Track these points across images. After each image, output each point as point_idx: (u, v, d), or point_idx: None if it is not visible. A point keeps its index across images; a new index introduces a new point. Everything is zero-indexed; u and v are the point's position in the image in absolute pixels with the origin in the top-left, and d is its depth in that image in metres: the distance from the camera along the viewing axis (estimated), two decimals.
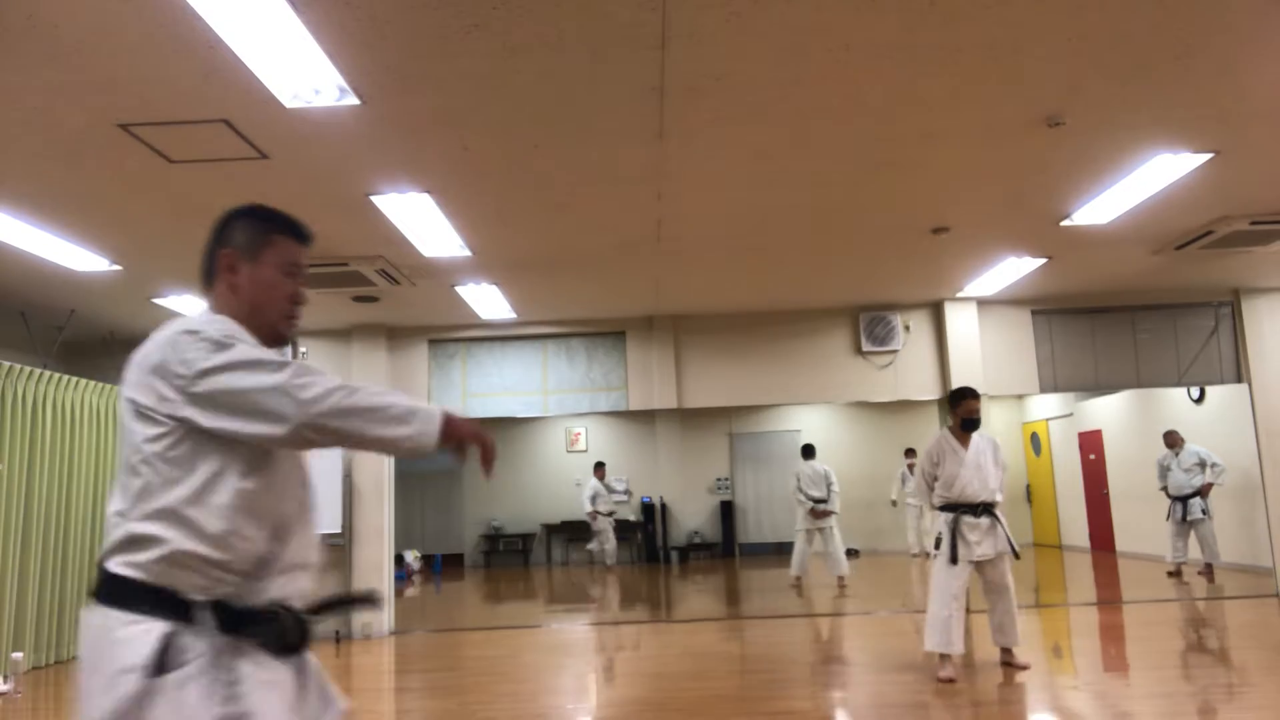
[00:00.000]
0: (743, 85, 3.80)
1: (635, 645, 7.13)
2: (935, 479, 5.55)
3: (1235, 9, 3.31)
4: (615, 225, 5.71)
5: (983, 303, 8.44)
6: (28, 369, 7.04)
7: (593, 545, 13.53)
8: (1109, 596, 9.09)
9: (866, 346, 8.52)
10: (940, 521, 5.48)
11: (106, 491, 7.92)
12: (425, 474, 14.53)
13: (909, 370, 8.49)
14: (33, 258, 5.72)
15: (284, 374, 1.59)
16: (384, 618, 8.10)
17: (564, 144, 4.35)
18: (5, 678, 6.08)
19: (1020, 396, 14.39)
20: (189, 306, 7.25)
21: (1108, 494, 12.55)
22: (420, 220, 5.35)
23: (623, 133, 4.24)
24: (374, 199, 4.95)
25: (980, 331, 8.43)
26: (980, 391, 8.30)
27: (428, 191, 4.92)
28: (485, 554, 14.68)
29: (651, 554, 14.17)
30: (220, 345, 1.66)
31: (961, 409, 5.55)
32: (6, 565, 6.70)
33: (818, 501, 10.02)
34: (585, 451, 14.90)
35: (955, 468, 5.44)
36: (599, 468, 13.66)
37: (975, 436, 5.54)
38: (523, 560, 14.66)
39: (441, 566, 14.38)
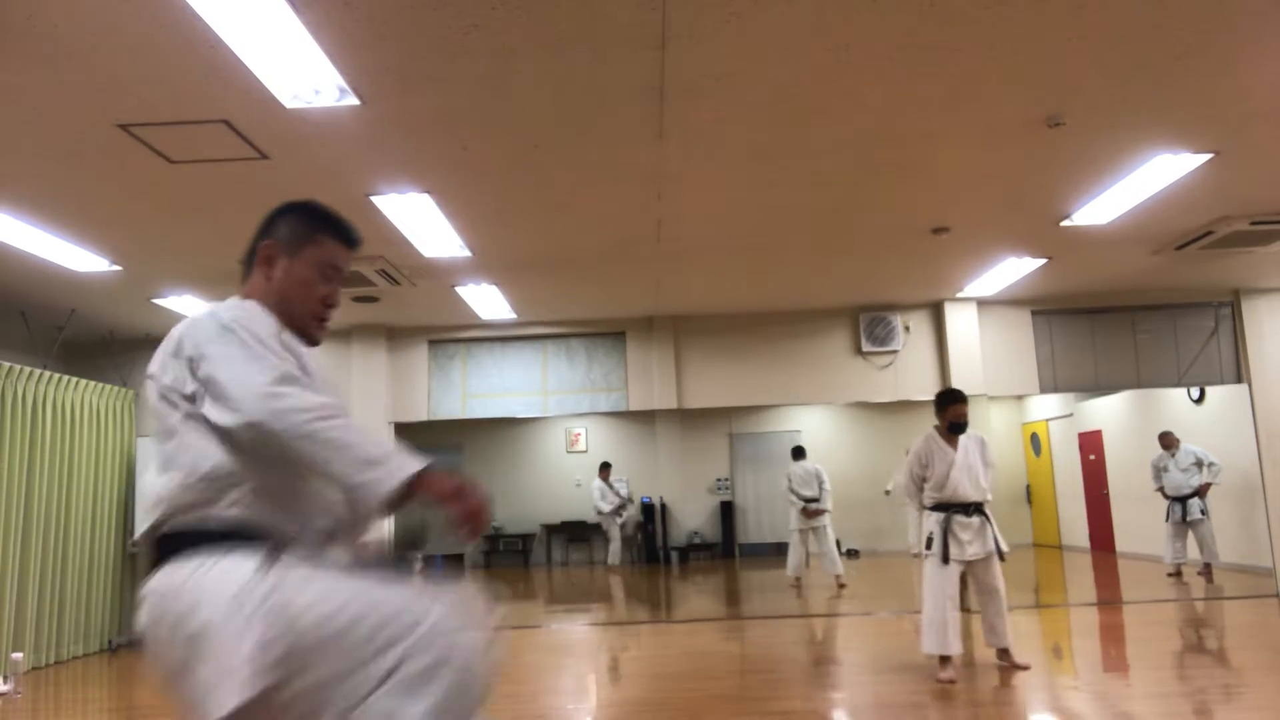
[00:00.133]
0: (743, 85, 3.80)
1: (635, 646, 7.12)
2: (924, 480, 5.53)
3: (1235, 9, 3.31)
4: (615, 225, 5.71)
5: (983, 303, 8.44)
6: (28, 369, 7.04)
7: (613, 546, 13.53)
8: (1109, 597, 9.09)
9: (866, 347, 8.52)
10: (931, 522, 5.45)
11: (106, 491, 7.92)
12: None
13: (909, 370, 8.49)
14: (33, 258, 5.72)
15: (267, 375, 1.59)
16: None
17: (564, 144, 4.35)
18: (5, 678, 6.07)
19: (1020, 397, 14.39)
20: (189, 306, 7.25)
21: (1108, 494, 12.55)
22: (420, 220, 5.35)
23: (623, 133, 4.24)
24: (374, 199, 4.95)
25: (980, 332, 8.43)
26: (980, 392, 8.35)
27: (427, 192, 4.92)
28: (485, 554, 14.67)
29: (651, 554, 14.16)
30: (226, 330, 1.66)
31: (949, 413, 5.51)
32: (6, 565, 6.70)
33: (810, 501, 10.03)
34: (585, 452, 14.89)
35: (945, 469, 5.41)
36: (604, 468, 13.65)
37: (962, 435, 5.50)
38: (522, 560, 14.65)
39: (442, 567, 14.38)
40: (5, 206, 4.88)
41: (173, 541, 1.63)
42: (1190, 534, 9.55)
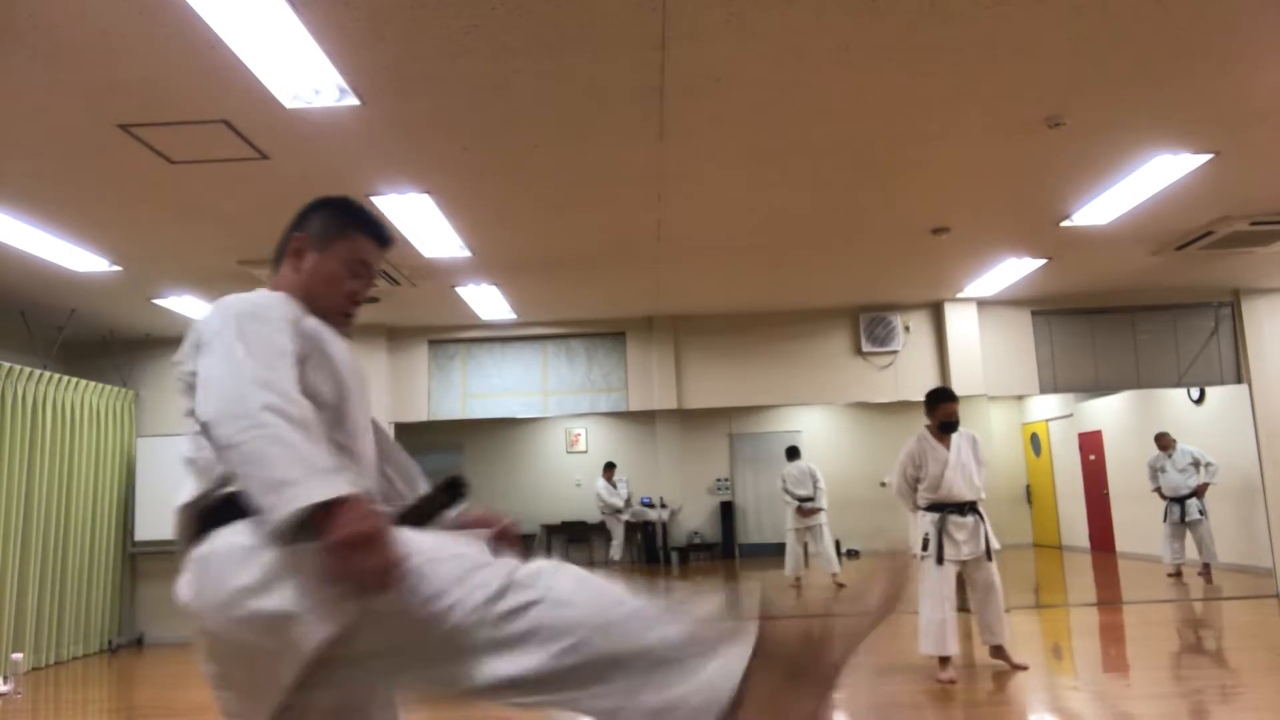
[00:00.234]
0: (743, 86, 3.80)
1: None
2: (918, 481, 5.51)
3: (1235, 9, 3.31)
4: (615, 225, 5.71)
5: (983, 303, 8.43)
6: (28, 369, 7.04)
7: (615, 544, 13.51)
8: (1109, 597, 9.09)
9: (866, 347, 8.51)
10: (926, 522, 5.42)
11: (106, 491, 7.93)
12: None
13: (909, 371, 8.48)
14: (33, 258, 5.72)
15: (243, 379, 1.51)
16: None
17: (564, 144, 4.34)
18: (5, 678, 6.07)
19: (1020, 397, 14.38)
20: (189, 307, 7.25)
21: (1108, 494, 12.55)
22: (420, 221, 5.35)
23: (623, 133, 4.24)
24: (374, 199, 4.95)
25: (980, 332, 8.43)
26: (980, 392, 8.35)
27: (427, 192, 4.92)
28: None
29: (651, 554, 14.16)
30: (229, 321, 1.60)
31: (940, 412, 5.49)
32: (6, 565, 6.70)
33: (804, 500, 10.03)
34: (585, 452, 14.89)
35: (939, 469, 5.39)
36: (609, 468, 13.64)
37: (953, 435, 5.48)
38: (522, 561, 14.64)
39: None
40: (5, 206, 4.88)
41: (219, 511, 1.56)
42: (1189, 534, 9.55)
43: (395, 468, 1.95)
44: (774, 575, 10.61)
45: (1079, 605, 8.48)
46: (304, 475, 1.42)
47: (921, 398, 5.69)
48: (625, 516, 13.53)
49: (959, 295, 8.24)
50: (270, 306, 1.67)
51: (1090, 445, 13.01)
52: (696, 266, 6.84)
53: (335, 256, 1.84)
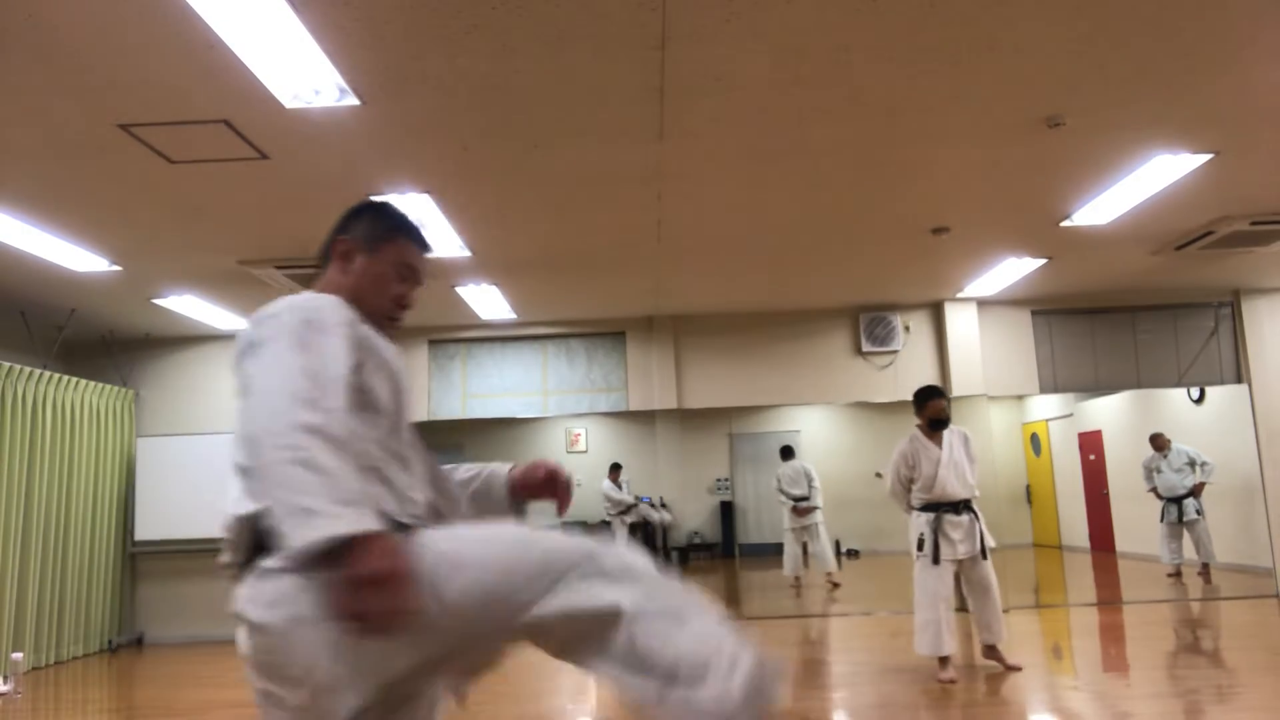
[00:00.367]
0: (743, 86, 3.80)
1: None
2: (912, 481, 5.50)
3: (1235, 9, 3.31)
4: (615, 225, 5.71)
5: (983, 303, 8.44)
6: (28, 369, 7.04)
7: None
8: (1109, 597, 9.09)
9: (866, 347, 8.51)
10: (921, 522, 5.41)
11: (106, 491, 7.93)
12: None
13: (909, 371, 8.48)
14: (33, 258, 5.72)
15: (286, 395, 1.45)
16: None
17: (564, 144, 4.34)
18: (5, 678, 6.07)
19: (1020, 397, 14.38)
20: (189, 307, 7.25)
21: (1108, 494, 12.55)
22: (420, 221, 5.35)
23: (623, 133, 4.24)
24: (374, 200, 4.94)
25: (980, 332, 8.43)
26: (980, 392, 8.35)
27: (427, 192, 4.92)
28: None
29: (651, 554, 14.15)
30: (283, 327, 1.55)
31: (929, 409, 5.49)
32: (6, 565, 6.70)
33: (799, 500, 10.04)
34: (585, 452, 14.89)
35: (932, 468, 5.38)
36: (615, 469, 13.63)
37: (945, 432, 5.47)
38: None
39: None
40: (5, 206, 4.88)
41: (273, 535, 1.48)
42: (1186, 534, 9.56)
43: (437, 478, 1.89)
44: (774, 575, 10.62)
45: (1079, 605, 8.49)
46: (331, 505, 1.37)
47: None
48: (630, 519, 13.51)
49: (959, 295, 8.24)
50: (328, 310, 1.62)
51: (1090, 445, 13.01)
52: (696, 266, 6.84)
53: (384, 260, 1.85)
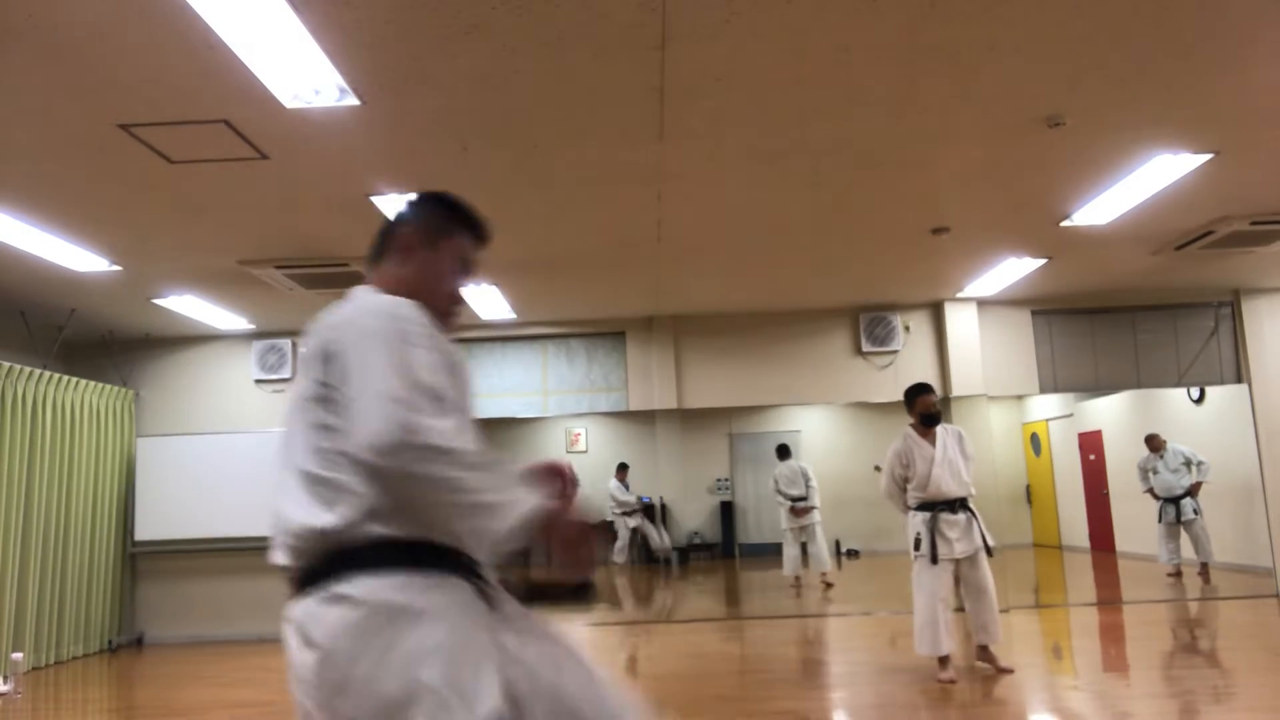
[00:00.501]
0: (743, 85, 3.80)
1: (635, 645, 7.12)
2: (907, 480, 5.49)
3: (1235, 9, 3.31)
4: (615, 225, 5.71)
5: (983, 303, 8.44)
6: (28, 369, 7.04)
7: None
8: (1109, 597, 9.09)
9: (866, 347, 8.52)
10: (917, 522, 5.40)
11: (106, 491, 7.92)
12: None
13: (909, 371, 8.48)
14: (33, 258, 5.72)
15: (413, 405, 1.45)
16: None
17: (564, 144, 4.34)
18: (5, 678, 6.07)
19: (1020, 397, 14.38)
20: (189, 307, 7.25)
21: (1108, 494, 12.55)
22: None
23: (623, 133, 4.24)
24: (374, 199, 4.95)
25: (980, 332, 8.43)
26: (980, 392, 8.35)
27: None
28: None
29: (651, 554, 14.15)
30: (379, 334, 1.54)
31: (919, 405, 5.49)
32: (6, 565, 6.70)
33: (797, 500, 10.05)
34: (585, 452, 14.90)
35: (926, 467, 5.37)
36: (622, 469, 13.62)
37: (939, 430, 5.45)
38: (523, 560, 14.62)
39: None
40: (5, 206, 4.88)
41: (366, 553, 1.50)
42: (1184, 534, 9.56)
43: None
44: (774, 575, 10.63)
45: (1079, 605, 8.49)
46: (507, 492, 1.46)
47: None
48: (633, 523, 13.48)
49: (959, 295, 8.24)
50: (414, 319, 1.59)
51: (1090, 445, 13.02)
52: (696, 266, 6.84)
53: (445, 253, 1.81)
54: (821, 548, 10.03)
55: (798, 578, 10.24)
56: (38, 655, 6.97)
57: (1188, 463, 9.51)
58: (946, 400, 8.36)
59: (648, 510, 14.10)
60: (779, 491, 10.22)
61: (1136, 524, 11.69)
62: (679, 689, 5.40)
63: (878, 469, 13.86)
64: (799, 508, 10.04)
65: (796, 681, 5.62)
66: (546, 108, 3.93)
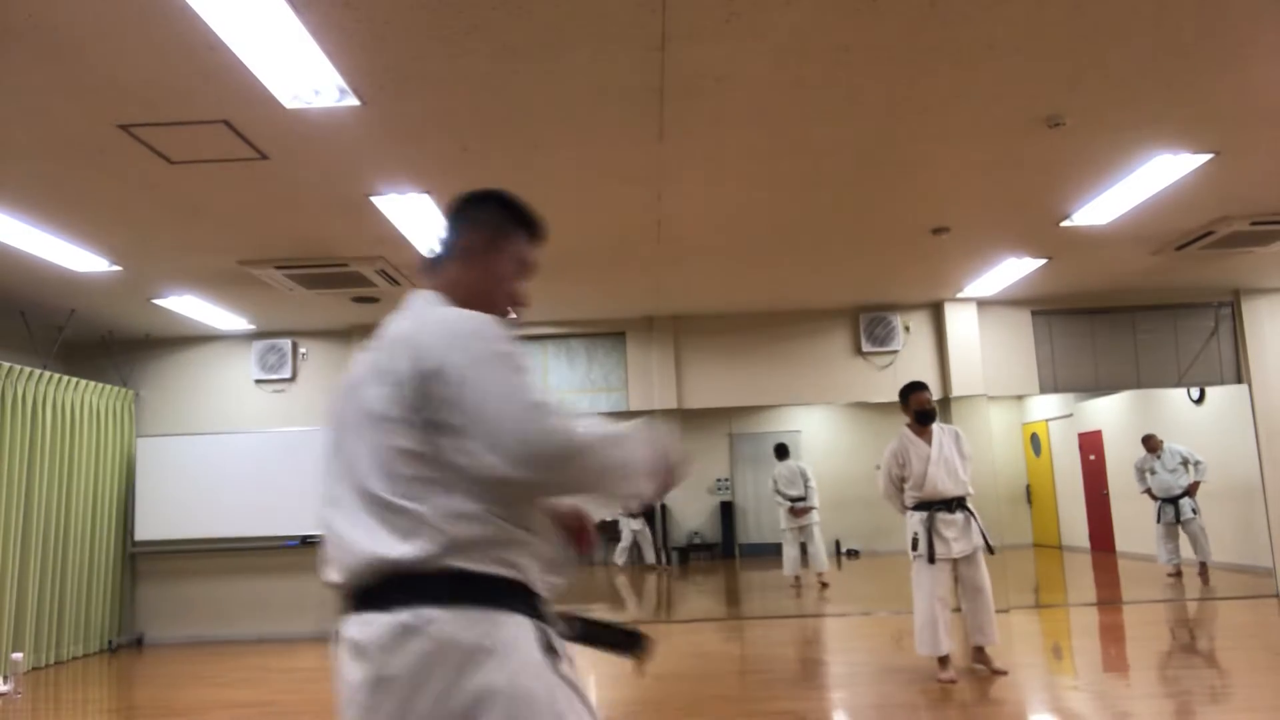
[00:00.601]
0: (743, 86, 3.80)
1: None
2: (903, 480, 5.49)
3: (1235, 9, 3.31)
4: (615, 225, 5.71)
5: (983, 303, 8.44)
6: (28, 369, 7.04)
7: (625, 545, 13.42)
8: (1109, 597, 9.09)
9: (866, 347, 8.52)
10: (915, 521, 5.40)
11: (106, 492, 7.92)
12: None
13: (909, 371, 8.47)
14: (33, 258, 5.72)
15: (536, 405, 1.45)
16: None
17: (564, 144, 4.35)
18: (5, 678, 6.07)
19: (1020, 397, 14.39)
20: (189, 307, 7.25)
21: (1108, 494, 12.55)
22: (420, 220, 5.35)
23: (623, 133, 4.24)
24: (374, 199, 4.95)
25: (980, 332, 8.43)
26: (980, 392, 8.35)
27: (427, 192, 4.92)
28: None
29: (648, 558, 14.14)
30: (479, 347, 1.53)
31: (913, 402, 5.49)
32: (6, 565, 6.70)
33: (796, 500, 10.05)
34: None
35: (922, 466, 5.36)
36: None
37: (935, 429, 5.45)
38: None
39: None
40: (5, 207, 4.88)
41: (444, 585, 1.45)
42: (1183, 534, 9.57)
43: None
44: (773, 575, 10.63)
45: (1079, 605, 8.49)
46: (646, 456, 1.59)
47: None
48: (636, 525, 13.47)
49: (959, 295, 8.24)
50: (501, 333, 1.58)
51: (1090, 445, 13.02)
52: (696, 266, 6.84)
53: (508, 256, 1.75)
54: (819, 548, 10.03)
55: (797, 578, 10.24)
56: (38, 655, 6.97)
57: (1185, 462, 9.51)
58: (946, 400, 8.36)
59: (648, 513, 14.09)
60: (778, 492, 10.23)
61: (1136, 524, 11.69)
62: (680, 689, 5.40)
63: (879, 468, 13.87)
64: (798, 508, 10.04)
65: (797, 681, 5.62)
66: (546, 108, 3.93)
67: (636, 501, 1.62)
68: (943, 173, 4.97)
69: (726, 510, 14.46)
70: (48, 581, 7.14)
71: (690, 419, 14.57)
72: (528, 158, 4.49)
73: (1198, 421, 10.49)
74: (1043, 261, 6.99)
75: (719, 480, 14.66)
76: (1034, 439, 14.74)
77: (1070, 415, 13.50)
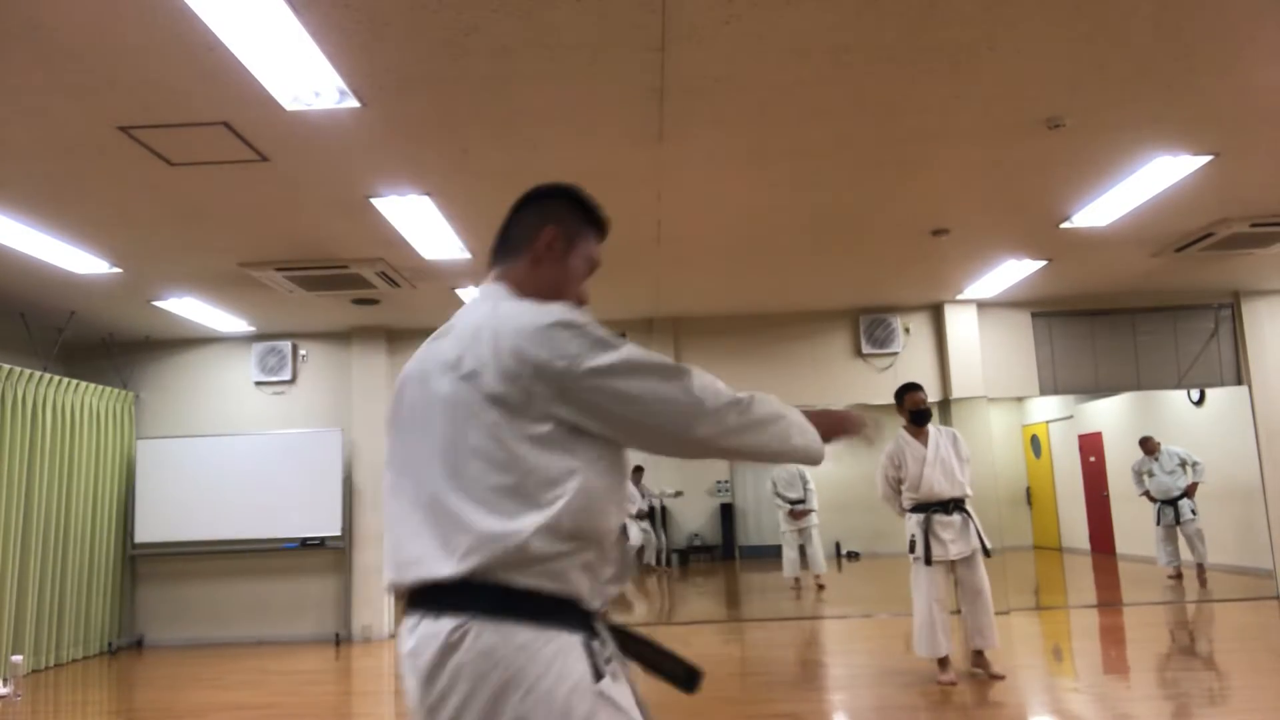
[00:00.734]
0: (743, 86, 3.80)
1: None
2: (900, 482, 5.48)
3: (1235, 9, 3.31)
4: (615, 225, 5.66)
5: (983, 305, 8.43)
6: (28, 371, 7.04)
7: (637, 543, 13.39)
8: (1109, 599, 9.08)
9: (866, 349, 8.51)
10: (912, 523, 5.39)
11: (106, 494, 7.92)
12: None
13: (909, 373, 8.47)
14: (33, 260, 5.72)
15: (682, 381, 1.54)
16: (384, 619, 8.09)
17: (564, 144, 4.35)
18: (5, 680, 6.07)
19: (1020, 399, 14.38)
20: (189, 309, 7.25)
21: (1108, 496, 12.54)
22: (420, 222, 5.35)
23: (623, 133, 4.24)
24: (374, 201, 4.95)
25: (980, 334, 8.43)
26: (980, 394, 8.35)
27: (428, 194, 4.92)
28: None
29: (653, 558, 14.14)
30: (605, 344, 1.48)
31: (908, 402, 5.48)
32: (6, 567, 6.69)
33: (795, 503, 10.05)
34: None
35: (918, 467, 5.35)
36: (637, 471, 13.59)
37: (932, 431, 5.43)
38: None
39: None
40: (5, 208, 4.88)
41: (500, 599, 1.43)
42: (1181, 535, 9.56)
43: None
44: (774, 577, 10.62)
45: (1079, 607, 8.48)
46: (812, 432, 1.78)
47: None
48: (644, 525, 13.44)
49: (959, 297, 8.24)
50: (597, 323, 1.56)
51: (1090, 447, 13.01)
52: (696, 266, 6.84)
53: (580, 254, 1.71)
54: (818, 550, 10.03)
55: (797, 580, 10.24)
56: (37, 657, 6.96)
57: (1183, 464, 9.51)
58: (947, 402, 8.36)
59: (649, 513, 14.08)
60: (777, 494, 10.22)
61: (1136, 526, 11.68)
62: (679, 690, 5.39)
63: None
64: (797, 510, 10.04)
65: (797, 684, 5.61)
66: (546, 108, 3.93)
67: (819, 451, 1.73)
68: (943, 174, 4.97)
69: (726, 512, 14.45)
70: (48, 584, 7.14)
71: None
72: (528, 158, 4.49)
73: (1198, 423, 10.48)
74: (1043, 263, 6.99)
75: (719, 482, 14.65)
76: (1034, 441, 14.73)
77: (1070, 417, 13.50)
